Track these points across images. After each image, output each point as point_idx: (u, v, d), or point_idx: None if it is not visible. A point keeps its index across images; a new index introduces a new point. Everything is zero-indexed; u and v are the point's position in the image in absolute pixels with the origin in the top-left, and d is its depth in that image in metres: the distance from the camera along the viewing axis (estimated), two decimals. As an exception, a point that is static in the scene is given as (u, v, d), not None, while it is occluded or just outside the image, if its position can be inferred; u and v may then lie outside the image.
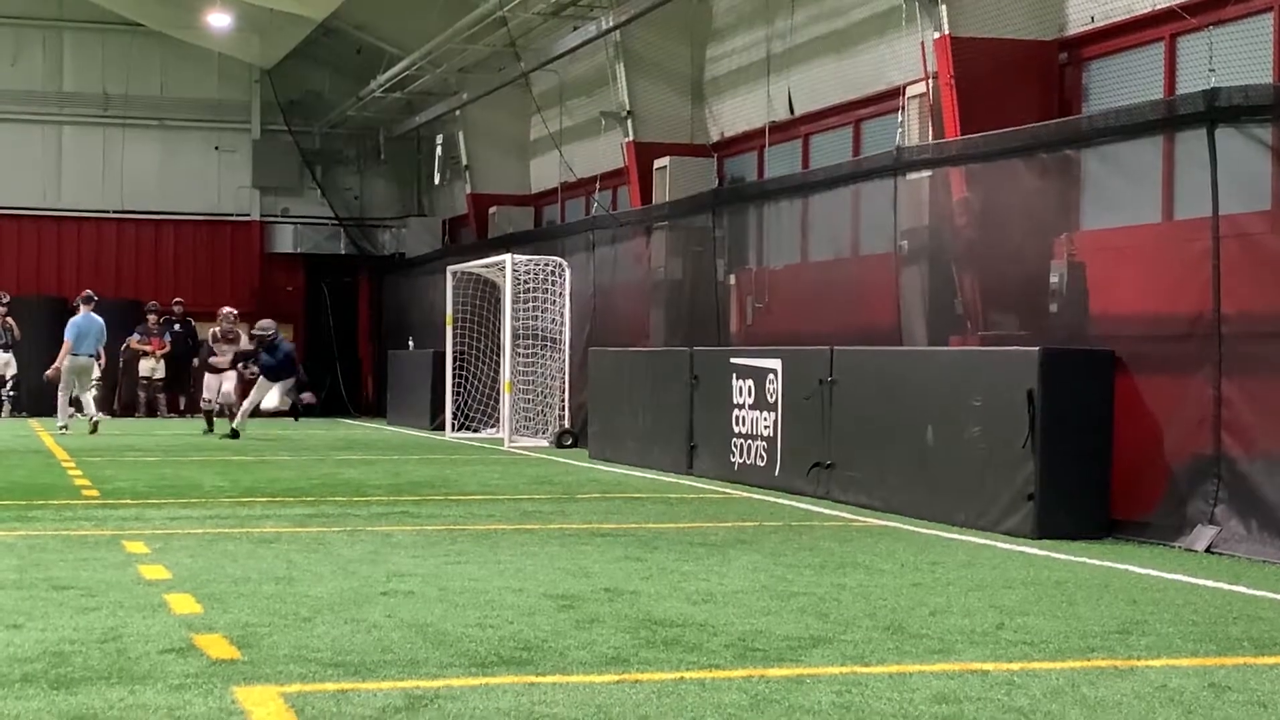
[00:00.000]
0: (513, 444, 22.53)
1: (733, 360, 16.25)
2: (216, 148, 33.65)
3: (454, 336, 25.44)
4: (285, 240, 34.21)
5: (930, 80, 15.51)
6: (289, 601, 8.00)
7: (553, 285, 23.04)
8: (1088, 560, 10.26)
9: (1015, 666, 6.59)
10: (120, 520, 12.01)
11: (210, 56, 32.77)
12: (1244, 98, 10.78)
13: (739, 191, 19.68)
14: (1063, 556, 10.43)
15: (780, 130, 20.38)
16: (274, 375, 23.79)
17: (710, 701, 5.81)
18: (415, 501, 13.91)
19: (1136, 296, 12.03)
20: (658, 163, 21.95)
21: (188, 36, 31.51)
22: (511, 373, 23.00)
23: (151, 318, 31.14)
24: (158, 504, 13.39)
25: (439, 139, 31.18)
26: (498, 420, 24.22)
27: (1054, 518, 11.42)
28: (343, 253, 34.56)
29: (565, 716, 5.55)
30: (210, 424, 24.94)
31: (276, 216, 34.22)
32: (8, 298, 29.86)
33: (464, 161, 30.41)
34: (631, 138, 22.83)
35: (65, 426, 24.52)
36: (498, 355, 24.06)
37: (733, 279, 19.03)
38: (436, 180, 31.93)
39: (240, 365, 24.50)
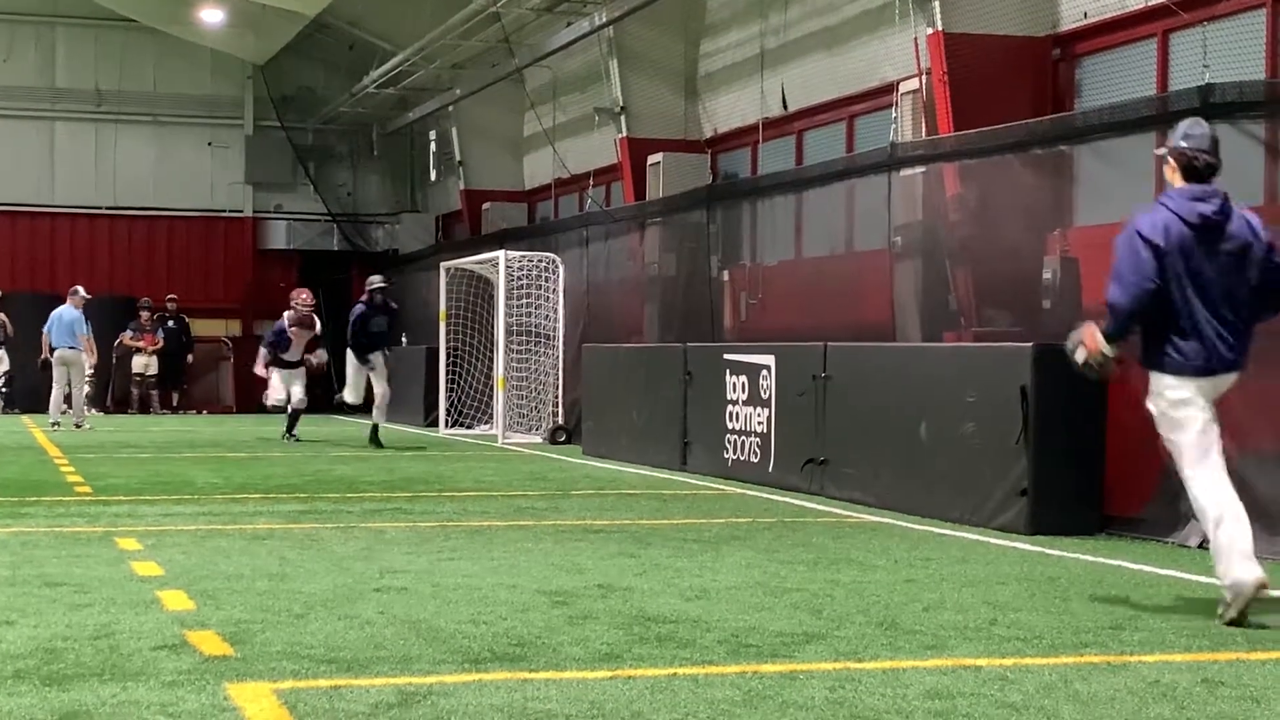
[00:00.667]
0: (506, 440, 22.52)
1: (726, 356, 16.25)
2: (209, 144, 33.62)
3: (447, 333, 25.41)
4: (278, 236, 34.18)
5: (924, 76, 15.51)
6: (282, 598, 7.99)
7: (546, 281, 23.03)
8: (1081, 556, 10.27)
9: (1008, 662, 6.59)
10: (113, 517, 12.00)
11: (203, 52, 32.74)
12: (1237, 93, 10.79)
13: (733, 188, 19.67)
14: (1056, 552, 10.43)
15: (774, 126, 20.38)
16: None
17: (703, 697, 5.81)
18: (408, 498, 13.90)
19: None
20: (651, 159, 21.95)
21: (180, 32, 31.47)
22: (505, 369, 22.99)
23: (144, 314, 31.12)
24: (150, 500, 13.38)
25: (432, 135, 31.18)
26: (491, 417, 24.22)
27: (1047, 514, 11.43)
28: (336, 249, 34.53)
29: (558, 713, 5.54)
30: (292, 426, 22.39)
31: (270, 213, 34.20)
32: (0, 294, 29.84)
33: (457, 157, 30.39)
34: (625, 134, 22.83)
35: (57, 424, 24.51)
36: (491, 351, 24.05)
37: (726, 275, 19.03)
38: (430, 176, 31.92)
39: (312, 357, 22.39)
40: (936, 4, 15.05)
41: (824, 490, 14.00)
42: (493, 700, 5.72)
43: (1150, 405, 8.03)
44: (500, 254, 23.13)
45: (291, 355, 22.20)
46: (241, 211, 33.96)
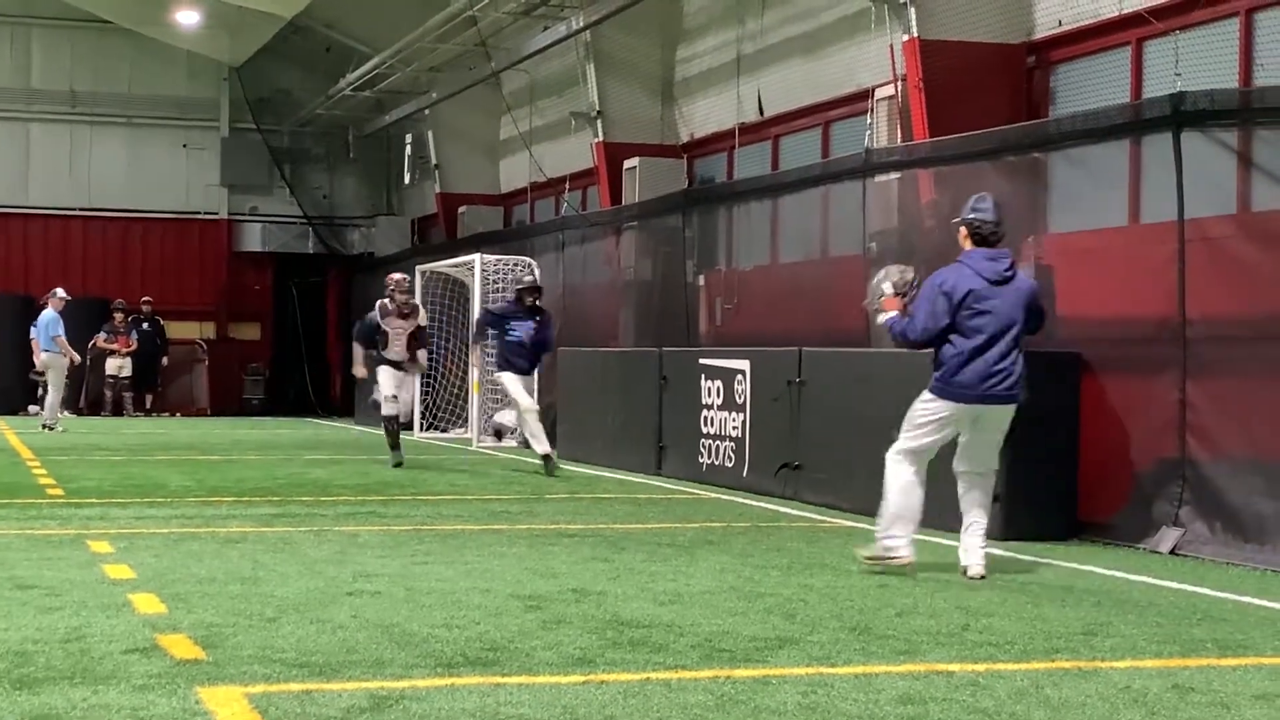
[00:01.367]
0: (481, 444, 22.49)
1: (701, 361, 16.26)
2: (185, 146, 33.50)
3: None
4: (253, 239, 34.08)
5: (899, 82, 15.55)
6: (254, 601, 7.97)
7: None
8: (1053, 561, 10.30)
9: (980, 667, 6.61)
10: (85, 519, 11.95)
11: (179, 54, 32.63)
12: (1210, 102, 10.83)
13: (709, 192, 19.69)
14: (1028, 558, 10.46)
15: (750, 131, 20.40)
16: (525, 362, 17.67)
17: (676, 702, 5.81)
18: (382, 502, 13.88)
19: (1103, 299, 12.08)
20: (627, 163, 21.95)
21: (156, 34, 31.37)
22: (480, 373, 22.96)
23: (118, 316, 31.02)
24: (123, 503, 13.33)
25: (408, 138, 31.12)
26: (466, 420, 24.18)
27: (1020, 519, 11.46)
28: (311, 252, 34.45)
29: (531, 717, 5.54)
30: (396, 438, 18.01)
31: (245, 215, 34.10)
32: (-26, 296, 29.75)
33: (433, 161, 30.35)
34: (601, 138, 22.82)
35: (49, 425, 24.45)
36: (466, 355, 24.02)
37: (702, 280, 19.04)
38: (406, 179, 31.87)
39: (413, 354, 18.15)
40: (912, 10, 15.09)
41: (798, 495, 14.02)
42: (465, 705, 5.71)
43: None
44: (476, 257, 23.11)
45: (394, 353, 17.98)
46: (217, 214, 33.85)
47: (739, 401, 15.28)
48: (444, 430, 24.97)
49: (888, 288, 9.77)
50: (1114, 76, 14.36)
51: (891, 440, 9.83)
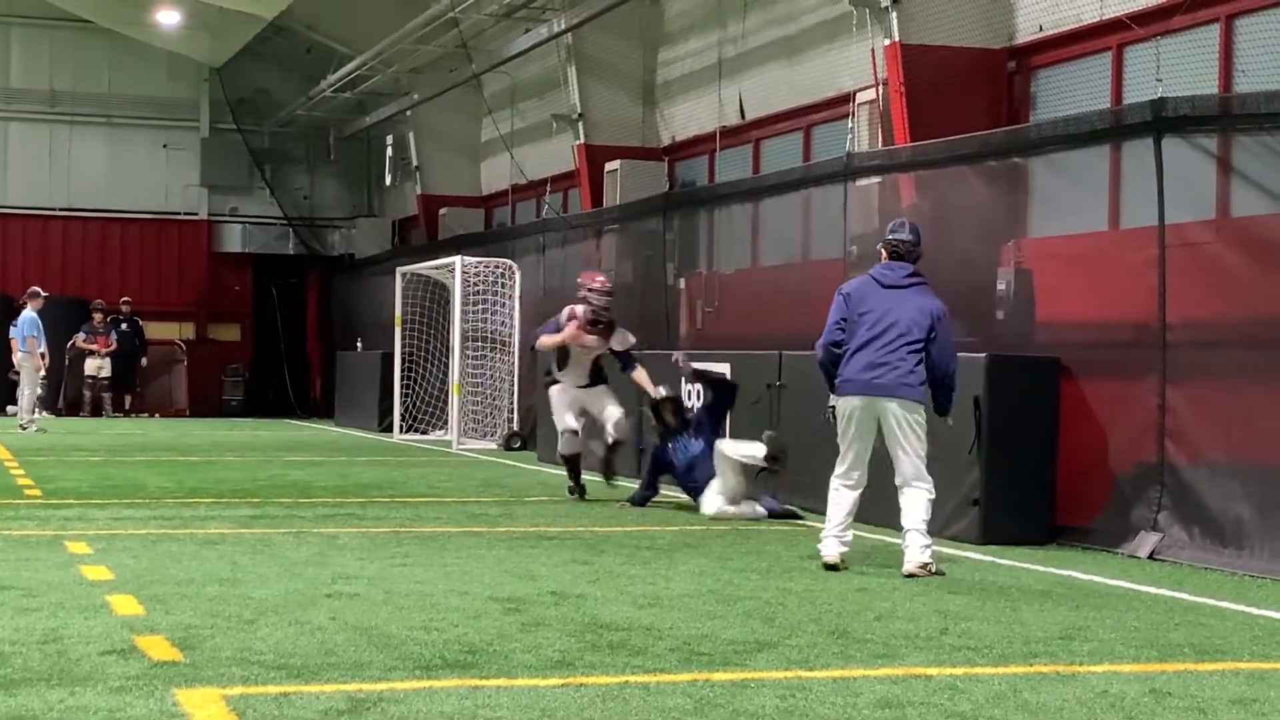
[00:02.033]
0: (461, 446, 22.47)
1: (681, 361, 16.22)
2: (165, 146, 33.44)
3: (403, 338, 25.36)
4: (234, 239, 34.04)
5: (880, 87, 15.57)
6: (232, 603, 7.95)
7: (502, 287, 23.01)
8: (1031, 566, 10.32)
9: (958, 671, 6.62)
10: (63, 520, 11.91)
11: (159, 54, 32.56)
12: (1190, 108, 10.87)
13: (690, 195, 19.70)
14: (1007, 562, 10.48)
15: (731, 135, 20.41)
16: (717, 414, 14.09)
17: (654, 705, 5.81)
18: (362, 503, 13.85)
19: (1083, 304, 12.10)
20: (608, 166, 21.95)
21: (136, 33, 31.28)
22: (460, 375, 22.95)
23: (97, 316, 30.93)
24: (101, 504, 13.29)
25: (389, 139, 31.10)
26: (446, 422, 24.16)
27: (999, 523, 11.48)
28: (291, 253, 34.42)
29: (509, 720, 5.54)
30: (577, 475, 14.56)
31: (225, 215, 34.05)
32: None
33: (414, 162, 30.33)
34: (582, 140, 22.82)
35: (42, 428, 24.34)
36: (447, 357, 24.00)
37: (683, 283, 19.04)
38: (387, 181, 31.84)
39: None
40: (894, 15, 15.11)
41: (778, 498, 14.00)
42: (443, 708, 5.70)
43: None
44: (456, 259, 23.09)
45: (573, 377, 14.35)
46: (196, 214, 33.78)
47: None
48: (424, 432, 24.94)
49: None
50: (1095, 82, 14.40)
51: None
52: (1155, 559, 10.75)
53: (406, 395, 25.27)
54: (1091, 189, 12.60)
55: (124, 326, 31.55)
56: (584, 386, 14.44)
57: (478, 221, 29.26)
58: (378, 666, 6.44)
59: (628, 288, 20.58)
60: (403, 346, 25.33)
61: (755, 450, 12.71)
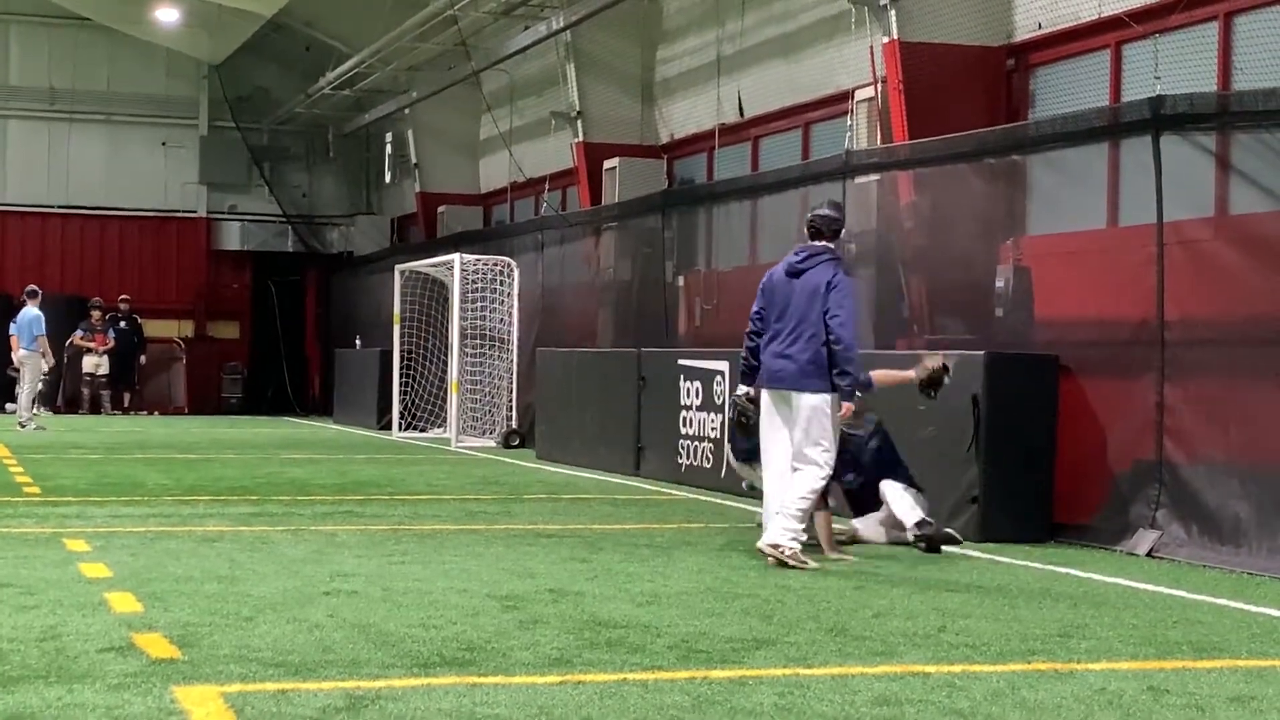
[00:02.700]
0: (459, 444, 22.47)
1: (680, 362, 16.25)
2: (164, 143, 33.42)
3: (401, 336, 25.36)
4: (232, 237, 34.01)
5: (879, 84, 15.57)
6: (231, 601, 7.95)
7: (501, 285, 23.01)
8: (1030, 564, 10.32)
9: (956, 669, 6.62)
10: (61, 518, 11.91)
11: (158, 51, 32.54)
12: (1188, 105, 10.87)
13: (688, 193, 19.70)
14: (1005, 560, 10.48)
15: (730, 132, 20.41)
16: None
17: (652, 703, 5.81)
18: (360, 501, 13.85)
19: (1081, 302, 12.10)
20: (607, 163, 21.94)
21: (135, 31, 31.26)
22: (459, 372, 22.95)
23: (95, 314, 30.92)
24: (100, 502, 13.28)
25: (388, 137, 31.08)
26: (444, 420, 24.16)
27: (997, 521, 11.48)
28: (290, 250, 34.40)
29: (507, 717, 5.53)
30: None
31: (224, 213, 34.02)
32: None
33: (413, 160, 30.32)
34: (581, 138, 22.81)
35: (40, 425, 24.31)
36: (445, 355, 24.00)
37: (681, 280, 19.05)
38: (385, 179, 31.84)
39: None
40: (893, 13, 15.11)
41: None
42: (441, 705, 5.70)
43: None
44: (455, 257, 23.09)
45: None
46: (195, 212, 33.76)
47: (718, 402, 15.27)
48: (422, 430, 24.94)
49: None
50: (1093, 79, 14.39)
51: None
52: (1153, 557, 10.75)
53: (405, 393, 25.26)
54: (1090, 187, 12.60)
55: (122, 324, 31.54)
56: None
57: (476, 219, 29.26)
58: (376, 664, 6.44)
59: (626, 285, 20.60)
60: (401, 344, 25.33)
61: (909, 517, 10.94)
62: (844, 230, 10.32)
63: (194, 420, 30.03)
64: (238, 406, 33.04)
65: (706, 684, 6.18)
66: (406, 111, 29.39)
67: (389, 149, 31.09)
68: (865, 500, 11.32)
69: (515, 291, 22.82)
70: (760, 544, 9.87)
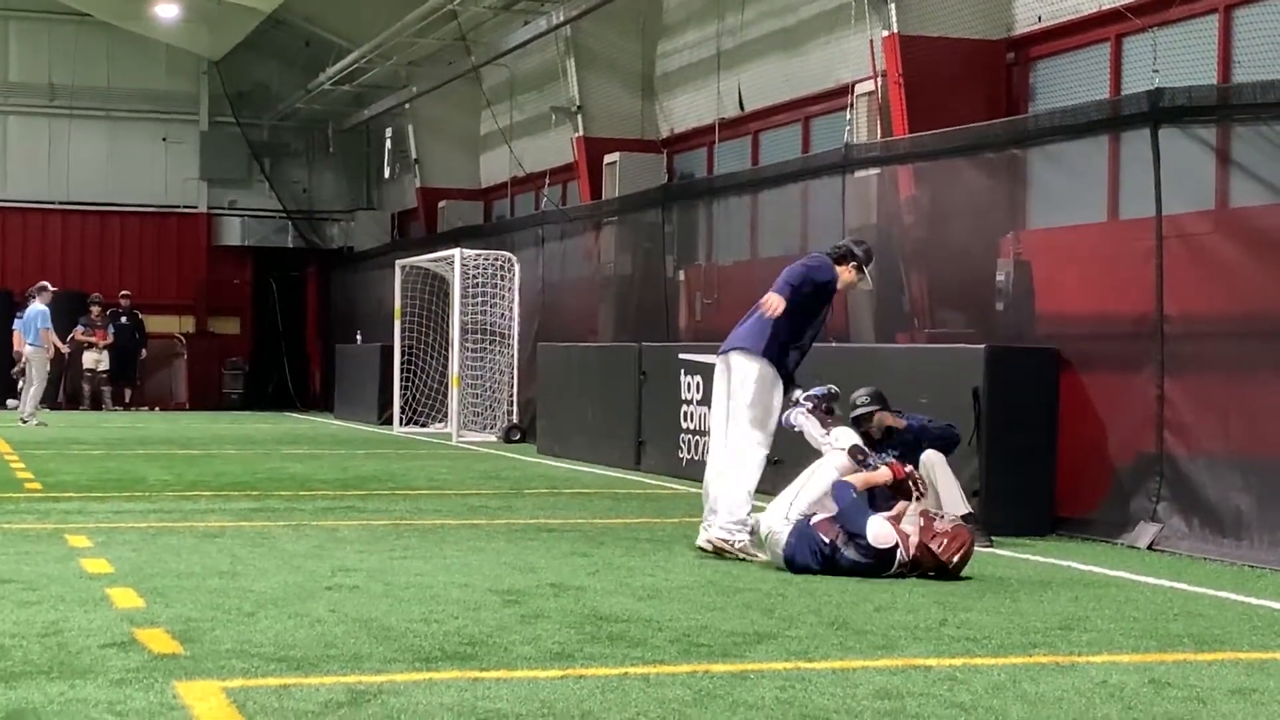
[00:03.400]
0: (461, 439, 22.48)
1: (681, 356, 16.25)
2: (164, 139, 33.41)
3: (402, 331, 25.37)
4: (233, 233, 34.01)
5: (879, 78, 15.56)
6: (232, 596, 7.96)
7: (502, 280, 23.02)
8: (1031, 557, 10.33)
9: (958, 662, 6.63)
10: (63, 514, 11.92)
11: (158, 47, 32.53)
12: (1187, 98, 10.87)
13: (689, 188, 19.69)
14: (1006, 553, 10.49)
15: (730, 127, 20.40)
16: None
17: (654, 697, 5.82)
18: (361, 496, 13.86)
19: (1081, 296, 12.11)
20: (608, 158, 21.94)
21: (135, 27, 31.26)
22: (460, 367, 22.95)
23: (95, 309, 30.92)
24: (101, 497, 13.29)
25: (388, 132, 31.09)
26: (446, 415, 24.17)
27: (998, 514, 11.47)
28: (291, 246, 34.39)
29: (509, 712, 5.54)
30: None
31: (224, 209, 34.02)
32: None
33: (413, 155, 30.32)
34: (581, 133, 22.81)
35: (25, 419, 24.32)
36: (446, 350, 24.00)
37: (682, 275, 19.05)
38: (386, 174, 31.84)
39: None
40: (892, 6, 15.10)
41: (778, 490, 13.99)
42: (443, 699, 5.71)
43: None
44: (456, 252, 23.09)
45: None
46: (196, 207, 33.76)
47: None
48: (424, 425, 24.95)
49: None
50: (1093, 73, 14.39)
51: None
52: (1154, 550, 10.76)
53: (406, 388, 25.27)
54: (1089, 180, 12.60)
55: (123, 320, 31.53)
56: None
57: (477, 214, 29.26)
58: (377, 658, 6.45)
59: (626, 280, 20.60)
60: (402, 339, 25.34)
61: (960, 508, 10.41)
62: (850, 253, 10.36)
63: (195, 416, 30.05)
64: (239, 402, 33.05)
65: (708, 678, 6.19)
66: (407, 107, 29.39)
67: (389, 144, 31.09)
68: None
69: (516, 286, 22.83)
70: (698, 542, 9.99)
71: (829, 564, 9.05)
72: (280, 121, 33.71)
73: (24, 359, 25.06)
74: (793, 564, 9.15)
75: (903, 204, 14.46)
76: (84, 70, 32.66)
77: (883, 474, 9.54)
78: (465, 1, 23.10)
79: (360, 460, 18.41)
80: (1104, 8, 14.03)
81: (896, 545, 8.92)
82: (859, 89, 16.05)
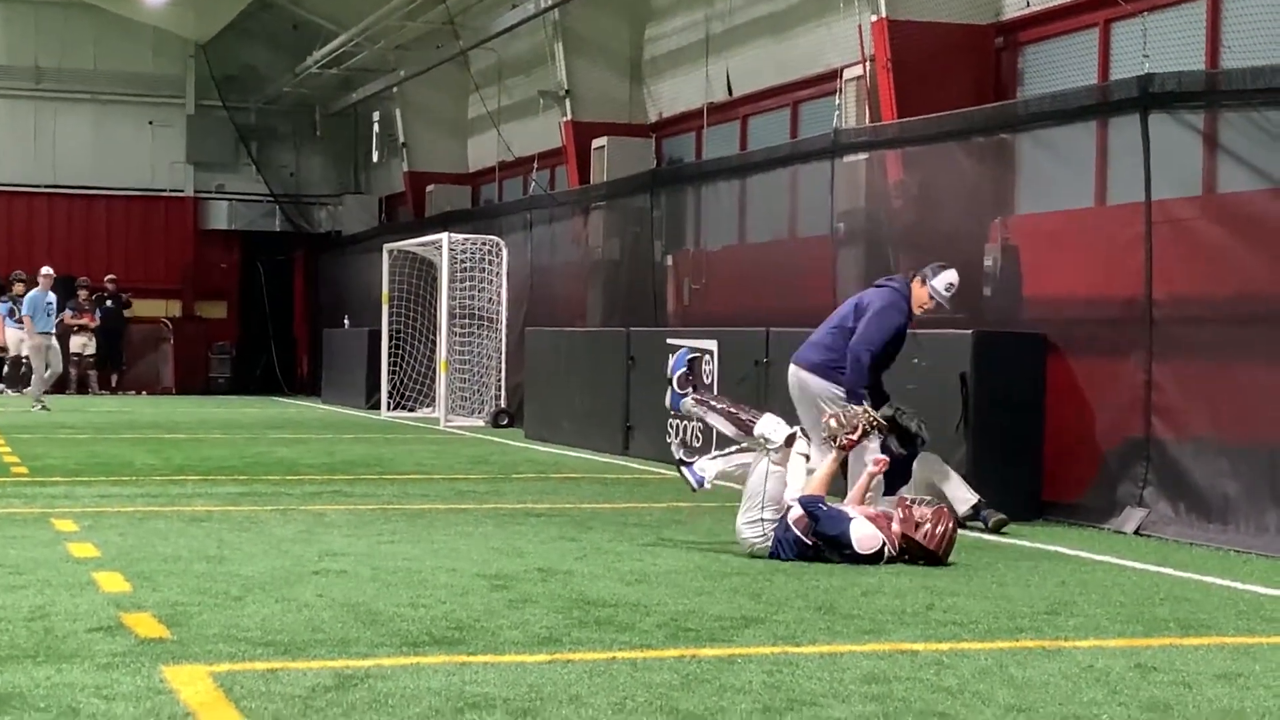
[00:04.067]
0: (448, 423, 22.47)
1: (669, 341, 16.22)
2: (150, 123, 33.34)
3: (390, 315, 25.34)
4: (220, 217, 33.95)
5: (868, 63, 15.55)
6: (219, 580, 7.95)
7: (490, 264, 22.99)
8: (1018, 542, 10.34)
9: (944, 647, 6.63)
10: (50, 498, 11.90)
11: (144, 30, 32.43)
12: (1177, 84, 10.87)
13: (677, 172, 19.68)
14: (993, 538, 10.50)
15: (718, 111, 20.38)
16: None
17: (641, 681, 5.82)
18: (349, 481, 13.85)
19: (1070, 280, 12.11)
20: (596, 142, 21.92)
21: (122, 10, 31.18)
22: (447, 352, 22.93)
23: (82, 293, 30.85)
24: (88, 481, 13.27)
25: (376, 116, 31.04)
26: (433, 399, 24.15)
27: (986, 499, 11.48)
28: (278, 230, 34.34)
29: (496, 696, 5.54)
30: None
31: (211, 193, 33.96)
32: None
33: (401, 139, 30.27)
34: (569, 117, 22.78)
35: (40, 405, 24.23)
36: (434, 334, 23.98)
37: (670, 260, 19.03)
38: (373, 158, 31.79)
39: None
40: (881, -9, 15.10)
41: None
42: (430, 683, 5.71)
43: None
44: (444, 236, 23.06)
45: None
46: (182, 191, 33.69)
47: (706, 381, 15.27)
48: (411, 409, 24.94)
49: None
50: (1082, 58, 14.39)
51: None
52: (1141, 534, 10.78)
53: (394, 372, 25.25)
54: (1078, 165, 12.61)
55: (109, 304, 31.47)
56: None
57: (465, 198, 29.23)
58: (365, 643, 6.44)
59: (615, 265, 20.59)
60: (390, 324, 25.31)
61: (969, 499, 10.79)
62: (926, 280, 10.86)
63: (181, 400, 30.00)
64: (225, 386, 33.01)
65: (695, 662, 6.19)
66: (394, 90, 29.34)
67: (376, 128, 31.05)
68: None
69: (504, 271, 22.80)
70: None
71: (813, 560, 9.01)
72: (267, 105, 33.64)
73: (32, 346, 24.79)
74: (776, 560, 9.12)
75: (891, 189, 14.46)
76: (70, 53, 32.56)
77: (836, 455, 9.52)
78: (453, -15, 23.06)
79: (348, 445, 18.39)
80: (1093, -7, 14.04)
81: (884, 545, 8.90)
82: (848, 74, 16.05)
